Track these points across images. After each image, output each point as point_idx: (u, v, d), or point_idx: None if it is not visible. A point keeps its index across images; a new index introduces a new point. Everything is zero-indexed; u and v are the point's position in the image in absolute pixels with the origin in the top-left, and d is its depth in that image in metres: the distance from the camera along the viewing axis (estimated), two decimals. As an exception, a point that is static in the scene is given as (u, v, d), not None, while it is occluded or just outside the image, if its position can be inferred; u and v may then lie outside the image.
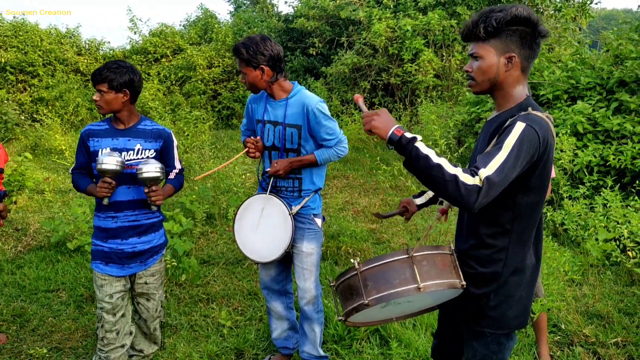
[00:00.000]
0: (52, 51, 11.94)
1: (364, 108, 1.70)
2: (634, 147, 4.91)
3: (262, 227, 2.65)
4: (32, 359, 3.04)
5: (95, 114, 11.33)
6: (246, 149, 2.61)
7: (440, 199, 2.19)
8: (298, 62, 12.06)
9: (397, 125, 1.57)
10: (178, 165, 2.67)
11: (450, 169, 1.46)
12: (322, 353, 2.82)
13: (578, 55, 6.63)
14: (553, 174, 2.80)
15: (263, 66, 2.47)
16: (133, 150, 2.50)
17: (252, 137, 2.64)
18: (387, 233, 5.10)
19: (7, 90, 11.28)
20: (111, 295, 2.52)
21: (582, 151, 5.10)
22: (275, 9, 16.29)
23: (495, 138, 1.59)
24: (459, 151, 6.23)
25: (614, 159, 4.92)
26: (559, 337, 3.20)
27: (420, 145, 1.52)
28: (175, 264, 3.94)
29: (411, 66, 9.19)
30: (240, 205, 2.72)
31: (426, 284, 1.58)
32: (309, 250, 2.65)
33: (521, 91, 1.68)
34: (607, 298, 3.65)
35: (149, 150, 2.54)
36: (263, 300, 3.60)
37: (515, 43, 1.61)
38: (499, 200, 1.57)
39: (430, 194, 2.20)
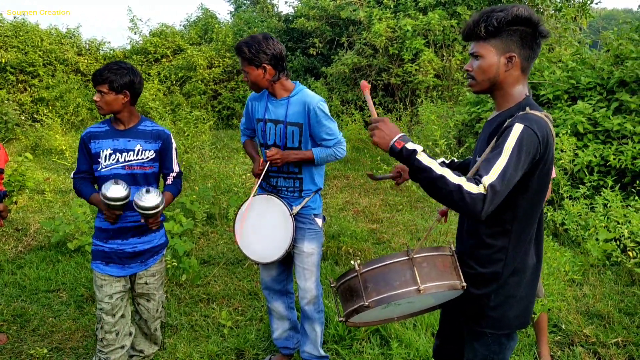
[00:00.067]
0: (52, 51, 11.95)
1: (370, 103, 1.70)
2: (634, 147, 4.91)
3: (263, 228, 2.65)
4: (32, 359, 3.04)
5: (95, 114, 11.33)
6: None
7: None
8: (298, 62, 12.06)
9: (397, 137, 1.57)
10: (176, 168, 2.66)
11: (453, 179, 1.47)
12: (322, 353, 2.82)
13: (578, 55, 6.62)
14: (553, 174, 2.80)
15: (265, 65, 2.47)
16: (133, 150, 2.50)
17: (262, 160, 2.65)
18: (387, 233, 5.10)
19: (7, 90, 11.29)
20: (111, 295, 2.52)
21: (583, 151, 5.10)
22: (276, 9, 16.30)
23: (494, 139, 1.59)
24: (459, 151, 6.23)
25: (614, 159, 4.92)
26: (559, 337, 3.20)
27: (422, 157, 1.52)
28: (176, 264, 3.95)
29: (411, 66, 9.19)
30: (241, 205, 2.72)
31: (426, 285, 1.58)
32: (310, 251, 2.65)
33: (520, 91, 1.68)
34: (607, 298, 3.65)
35: (149, 150, 2.54)
36: (263, 300, 3.60)
37: (515, 43, 1.61)
38: (499, 201, 1.57)
39: None
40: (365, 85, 1.76)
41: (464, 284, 1.65)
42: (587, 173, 5.03)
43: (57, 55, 12.03)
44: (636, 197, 4.56)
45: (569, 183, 5.02)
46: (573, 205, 4.65)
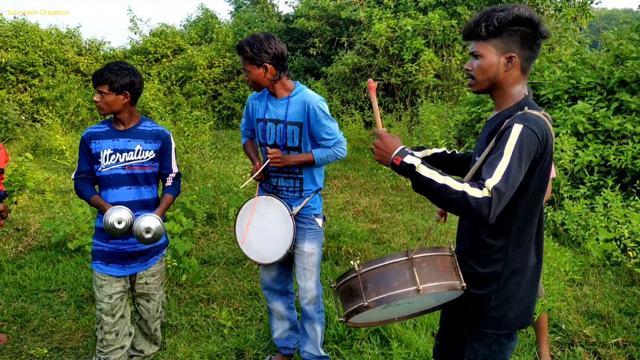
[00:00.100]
0: (52, 51, 11.95)
1: (376, 111, 1.70)
2: (635, 147, 4.91)
3: (264, 228, 2.65)
4: (32, 359, 3.04)
5: (95, 114, 11.34)
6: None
7: (438, 160, 2.14)
8: (298, 62, 12.07)
9: (395, 153, 1.58)
10: (175, 169, 2.67)
11: (456, 186, 1.47)
12: (322, 353, 2.82)
13: (578, 55, 6.62)
14: (553, 174, 2.80)
15: (267, 64, 2.47)
16: (133, 151, 2.50)
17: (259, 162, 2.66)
18: (387, 233, 5.10)
19: (7, 90, 11.29)
20: (110, 295, 2.52)
21: (583, 151, 5.10)
22: (276, 9, 16.30)
23: (494, 140, 1.59)
24: (459, 151, 6.23)
25: (614, 159, 4.92)
26: (559, 337, 3.20)
27: (422, 169, 1.53)
28: (176, 264, 3.95)
29: (411, 66, 9.19)
30: (241, 206, 2.72)
31: (426, 285, 1.58)
32: (310, 251, 2.65)
33: (520, 91, 1.68)
34: (607, 298, 3.64)
35: (149, 151, 2.54)
36: (263, 300, 3.60)
37: (515, 43, 1.61)
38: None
39: (427, 152, 2.18)
40: (372, 85, 1.75)
41: (464, 284, 1.65)
42: (587, 173, 5.03)
43: (57, 55, 12.04)
44: (636, 197, 4.56)
45: (569, 183, 5.02)
46: (573, 205, 4.65)
